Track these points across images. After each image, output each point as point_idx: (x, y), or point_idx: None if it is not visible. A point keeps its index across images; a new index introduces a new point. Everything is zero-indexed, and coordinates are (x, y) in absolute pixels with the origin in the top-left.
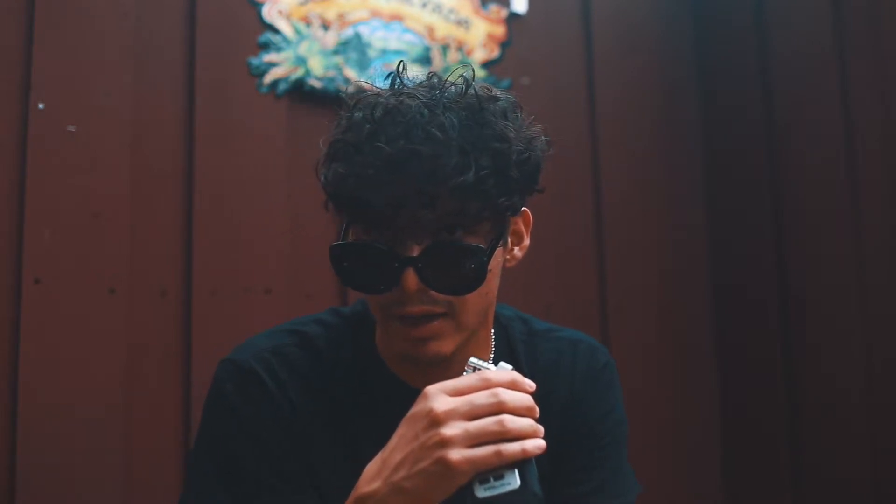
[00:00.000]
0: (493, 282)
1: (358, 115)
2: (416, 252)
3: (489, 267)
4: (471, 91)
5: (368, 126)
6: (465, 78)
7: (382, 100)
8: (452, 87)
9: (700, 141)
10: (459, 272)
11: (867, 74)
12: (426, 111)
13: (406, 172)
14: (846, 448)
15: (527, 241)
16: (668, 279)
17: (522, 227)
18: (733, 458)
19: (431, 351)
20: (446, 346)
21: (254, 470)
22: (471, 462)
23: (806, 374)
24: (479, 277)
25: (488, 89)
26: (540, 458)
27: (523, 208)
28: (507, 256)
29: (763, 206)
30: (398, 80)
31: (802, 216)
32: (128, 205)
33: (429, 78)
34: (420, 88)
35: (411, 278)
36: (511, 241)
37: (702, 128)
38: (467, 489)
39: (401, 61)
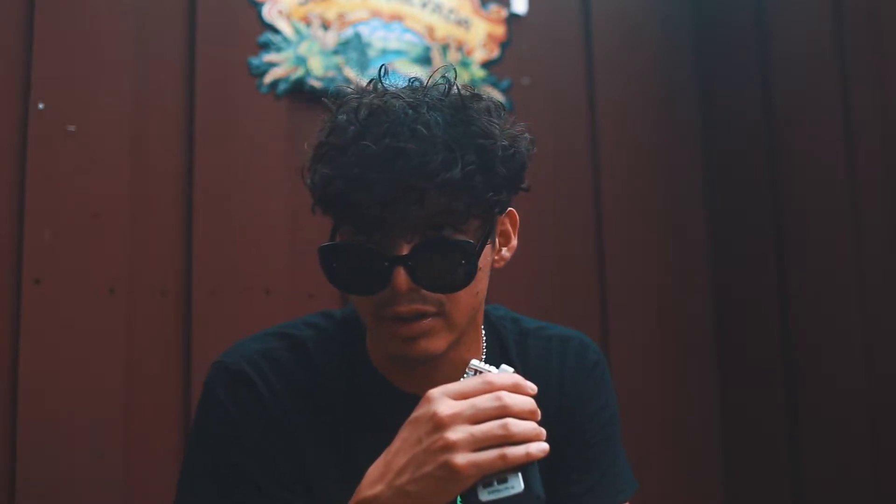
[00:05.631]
0: (483, 281)
1: (342, 117)
2: (405, 251)
3: (479, 264)
4: (454, 91)
5: (353, 127)
6: (447, 79)
7: (366, 101)
8: (435, 88)
9: (700, 141)
10: (450, 269)
11: (867, 74)
12: (410, 110)
13: (393, 170)
14: (846, 448)
15: (514, 242)
16: (668, 279)
17: (509, 227)
18: (733, 458)
19: (421, 348)
20: (437, 344)
21: (246, 471)
22: (476, 466)
23: (806, 374)
24: (469, 274)
25: (471, 89)
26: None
27: (509, 208)
28: (496, 257)
29: (763, 206)
30: (380, 83)
31: (802, 216)
32: (128, 205)
33: (410, 82)
34: (403, 90)
35: (402, 277)
36: (499, 242)
37: (702, 128)
38: (471, 493)
39: (382, 65)
